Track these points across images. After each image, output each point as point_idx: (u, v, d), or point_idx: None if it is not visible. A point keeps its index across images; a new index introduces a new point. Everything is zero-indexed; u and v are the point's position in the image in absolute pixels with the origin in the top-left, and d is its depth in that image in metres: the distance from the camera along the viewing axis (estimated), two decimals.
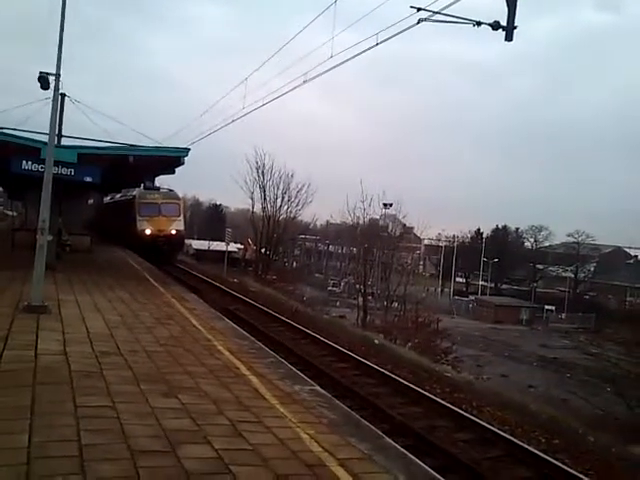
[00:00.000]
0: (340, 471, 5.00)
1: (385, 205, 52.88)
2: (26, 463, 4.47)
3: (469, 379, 16.37)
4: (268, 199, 54.76)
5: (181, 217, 37.14)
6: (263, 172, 54.22)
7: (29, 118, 21.98)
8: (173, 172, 24.53)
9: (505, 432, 10.14)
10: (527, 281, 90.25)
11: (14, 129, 21.76)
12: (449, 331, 36.45)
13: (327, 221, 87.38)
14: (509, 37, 11.56)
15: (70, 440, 4.99)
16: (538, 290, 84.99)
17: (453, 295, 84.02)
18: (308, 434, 5.84)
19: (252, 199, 55.96)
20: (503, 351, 46.46)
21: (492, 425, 10.42)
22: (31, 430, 5.12)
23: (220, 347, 9.79)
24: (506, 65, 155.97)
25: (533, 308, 74.47)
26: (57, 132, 19.96)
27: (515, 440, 9.64)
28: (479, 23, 12.69)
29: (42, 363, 7.47)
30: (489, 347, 46.70)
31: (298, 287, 51.54)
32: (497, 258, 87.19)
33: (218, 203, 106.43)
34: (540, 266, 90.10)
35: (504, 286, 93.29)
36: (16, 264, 17.75)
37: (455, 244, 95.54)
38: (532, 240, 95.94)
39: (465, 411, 11.16)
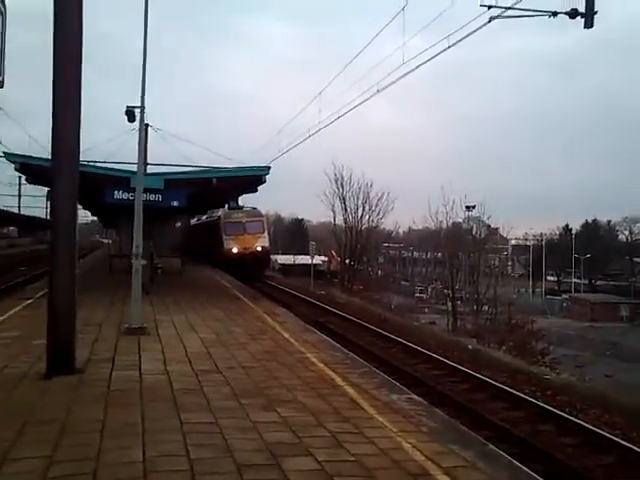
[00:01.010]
0: None
1: (468, 207, 51.85)
2: (143, 477, 4.68)
3: (570, 381, 15.71)
4: (349, 210, 55.02)
5: (265, 234, 37.90)
6: (342, 184, 54.58)
7: (117, 150, 23.15)
8: (255, 190, 25.08)
9: (617, 437, 9.59)
10: (625, 276, 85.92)
11: (104, 162, 23.01)
12: (544, 331, 35.18)
13: (409, 227, 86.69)
14: (589, 24, 11.12)
15: (179, 455, 5.17)
16: (638, 285, 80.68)
17: (545, 295, 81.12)
18: (409, 443, 5.78)
19: (333, 211, 56.42)
20: (604, 350, 44.33)
21: (601, 429, 9.91)
22: (144, 445, 5.35)
23: (313, 359, 9.88)
24: (586, 54, 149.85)
25: (633, 304, 70.70)
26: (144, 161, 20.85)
27: (630, 445, 9.06)
28: (555, 13, 12.32)
29: (146, 382, 7.79)
30: (588, 346, 44.61)
31: (385, 295, 51.29)
32: (589, 254, 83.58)
33: (300, 217, 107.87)
34: (638, 259, 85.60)
35: (599, 282, 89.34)
36: (115, 288, 18.64)
37: (543, 242, 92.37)
38: (627, 232, 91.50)
39: (569, 414, 10.71)
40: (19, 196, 68.53)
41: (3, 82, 7.66)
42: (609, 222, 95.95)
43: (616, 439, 9.37)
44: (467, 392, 12.45)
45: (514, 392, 12.00)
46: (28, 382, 7.70)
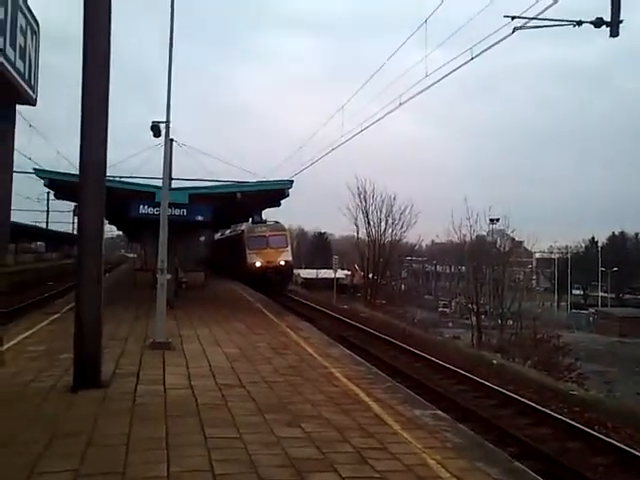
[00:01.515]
0: None
1: (492, 221, 51.43)
2: None
3: (599, 397, 15.41)
4: (372, 223, 54.99)
5: (288, 248, 37.99)
6: (365, 197, 54.61)
7: (142, 166, 23.47)
8: (279, 205, 25.17)
9: None
10: None
11: (130, 177, 23.35)
12: (570, 346, 34.61)
13: (432, 241, 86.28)
14: (614, 32, 11.02)
15: (204, 470, 5.18)
16: None
17: (571, 309, 79.96)
18: (435, 459, 5.72)
19: (356, 225, 56.42)
20: (633, 367, 43.40)
21: (634, 448, 9.67)
22: (168, 460, 5.36)
23: (337, 374, 9.84)
24: (613, 64, 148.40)
25: None
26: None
27: None
28: (580, 22, 12.24)
29: (171, 397, 7.83)
30: (616, 362, 43.74)
31: (408, 310, 50.98)
32: (616, 267, 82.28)
33: (323, 231, 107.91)
34: None
35: (627, 296, 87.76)
36: (139, 302, 18.80)
37: (569, 255, 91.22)
38: None
39: (599, 432, 10.48)
40: (47, 211, 69.63)
41: (36, 100, 7.84)
42: (637, 234, 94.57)
43: None
44: (492, 408, 12.29)
45: (541, 408, 11.80)
46: (55, 395, 7.79)
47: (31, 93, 7.81)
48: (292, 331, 15.15)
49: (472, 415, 11.25)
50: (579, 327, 65.17)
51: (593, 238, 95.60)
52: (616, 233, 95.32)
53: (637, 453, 9.36)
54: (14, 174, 8.88)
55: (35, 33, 7.69)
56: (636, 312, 71.46)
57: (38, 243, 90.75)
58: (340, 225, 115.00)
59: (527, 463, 7.33)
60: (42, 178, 19.15)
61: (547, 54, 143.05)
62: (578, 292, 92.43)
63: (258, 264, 36.04)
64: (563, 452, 9.52)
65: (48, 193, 49.31)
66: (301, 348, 12.55)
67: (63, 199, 25.99)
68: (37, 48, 7.76)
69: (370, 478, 5.21)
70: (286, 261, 37.09)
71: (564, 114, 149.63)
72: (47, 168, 20.47)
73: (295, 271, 49.57)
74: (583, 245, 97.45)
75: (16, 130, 8.30)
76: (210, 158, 27.88)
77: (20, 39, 7.19)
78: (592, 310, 76.54)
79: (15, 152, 8.62)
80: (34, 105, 7.91)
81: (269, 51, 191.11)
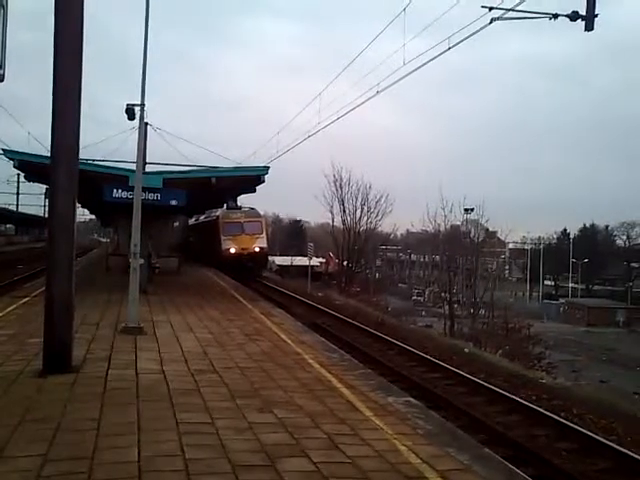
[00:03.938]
0: None
1: (466, 210, 51.87)
2: (138, 476, 4.67)
3: (566, 385, 15.71)
4: (347, 211, 55.15)
5: (263, 234, 37.85)
6: (341, 185, 54.74)
7: (116, 149, 23.14)
8: (254, 191, 25.01)
9: (612, 442, 9.56)
10: (622, 281, 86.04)
11: (103, 160, 22.99)
12: (540, 336, 35.19)
13: (407, 230, 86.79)
14: (589, 26, 11.13)
15: (175, 455, 5.16)
16: (635, 290, 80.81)
17: (542, 299, 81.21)
18: (405, 445, 5.77)
19: (331, 212, 56.53)
20: (600, 355, 44.37)
21: (596, 434, 9.91)
22: (139, 445, 5.34)
23: (310, 360, 9.87)
24: (588, 58, 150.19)
25: (630, 309, 70.77)
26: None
27: (625, 450, 9.05)
28: (556, 15, 12.31)
29: (143, 382, 7.77)
30: (584, 351, 44.65)
31: (382, 298, 51.23)
32: (587, 258, 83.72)
33: (298, 219, 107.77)
34: (635, 264, 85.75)
35: (596, 287, 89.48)
36: (111, 287, 18.62)
37: (541, 246, 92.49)
38: (624, 237, 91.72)
39: (565, 419, 10.70)
40: (17, 194, 68.49)
41: (4, 76, 7.62)
42: (607, 227, 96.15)
43: (610, 444, 9.36)
44: (463, 395, 12.45)
45: (510, 396, 11.99)
46: (24, 380, 7.68)
47: None
48: (266, 317, 15.14)
49: (444, 403, 11.39)
50: (550, 317, 66.27)
51: (565, 230, 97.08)
52: (587, 225, 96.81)
53: (599, 438, 9.61)
54: None
55: (3, 7, 7.45)
56: (604, 303, 72.97)
57: (8, 226, 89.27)
58: (316, 213, 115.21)
59: (496, 449, 7.46)
60: (11, 159, 18.73)
61: (524, 46, 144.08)
62: (550, 283, 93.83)
63: (233, 250, 35.88)
64: (530, 438, 9.69)
65: (18, 175, 48.45)
66: (274, 334, 12.55)
67: (34, 181, 25.48)
68: (5, 22, 7.50)
69: (341, 463, 5.23)
70: (261, 248, 36.96)
71: (539, 106, 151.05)
72: (17, 149, 19.97)
73: (270, 258, 49.47)
74: (555, 237, 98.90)
75: None
76: (186, 143, 27.53)
77: None
78: (562, 300, 77.84)
79: None
80: (2, 81, 7.67)
81: (251, 37, 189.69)
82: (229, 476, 4.79)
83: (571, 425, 10.25)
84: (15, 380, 7.64)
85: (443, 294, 49.49)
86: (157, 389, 7.43)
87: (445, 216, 50.73)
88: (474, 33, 12.36)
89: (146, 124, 23.38)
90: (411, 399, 8.07)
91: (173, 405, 6.72)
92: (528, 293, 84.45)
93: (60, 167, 8.33)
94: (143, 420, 6.08)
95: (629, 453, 8.95)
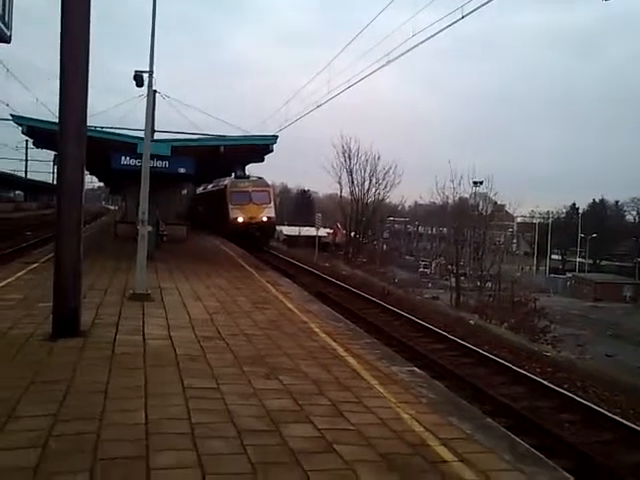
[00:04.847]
0: (443, 450, 4.98)
1: (475, 183, 51.52)
2: (145, 438, 4.75)
3: (571, 359, 15.80)
4: (356, 182, 54.99)
5: (271, 204, 37.83)
6: (350, 156, 54.51)
7: (124, 116, 23.03)
8: (262, 160, 24.95)
9: (616, 414, 9.64)
10: (630, 257, 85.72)
11: (112, 127, 22.93)
12: (546, 310, 35.25)
13: (416, 202, 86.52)
14: None
15: (181, 418, 5.25)
16: None
17: (549, 273, 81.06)
18: (409, 414, 5.84)
19: (340, 183, 56.42)
20: (606, 330, 44.39)
21: (600, 406, 9.98)
22: (146, 408, 5.43)
23: (316, 329, 9.94)
24: (605, 30, 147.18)
25: (638, 284, 70.64)
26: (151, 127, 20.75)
27: (628, 423, 9.13)
28: None
29: (150, 347, 7.86)
30: (590, 326, 44.66)
31: (389, 269, 51.38)
32: (595, 233, 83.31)
33: (306, 189, 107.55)
34: None
35: (604, 262, 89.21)
36: (120, 254, 18.72)
37: (550, 220, 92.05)
38: (634, 213, 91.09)
39: (568, 391, 10.78)
40: (26, 160, 68.60)
41: (11, 37, 7.57)
42: (617, 202, 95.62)
43: (614, 416, 9.44)
44: (468, 366, 12.53)
45: (515, 368, 12.07)
46: (33, 343, 7.78)
47: (5, 30, 7.53)
48: (273, 286, 15.21)
49: (448, 373, 11.49)
50: (556, 291, 66.23)
51: (574, 204, 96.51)
52: (597, 200, 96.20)
53: (601, 410, 9.69)
54: None
55: None
56: (611, 278, 72.80)
57: (17, 192, 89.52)
58: (324, 183, 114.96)
59: (499, 420, 7.54)
60: (20, 125, 18.70)
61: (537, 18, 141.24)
62: (557, 257, 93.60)
63: (240, 219, 35.92)
64: (534, 409, 9.77)
65: (27, 141, 48.45)
66: (281, 303, 12.62)
67: (43, 148, 25.49)
68: None
69: (345, 430, 5.30)
70: (269, 217, 36.98)
71: (550, 79, 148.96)
72: (26, 115, 19.92)
73: (278, 228, 49.52)
74: (564, 211, 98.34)
75: None
76: (195, 111, 27.41)
77: None
78: (569, 275, 77.74)
79: None
80: (8, 42, 7.62)
81: (262, 6, 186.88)
82: (234, 440, 4.87)
83: (574, 397, 10.32)
84: (25, 343, 7.74)
85: (450, 266, 49.49)
86: (164, 354, 7.51)
87: (454, 188, 50.52)
88: (488, 2, 12.12)
89: (154, 91, 23.30)
90: (415, 369, 8.13)
91: (180, 370, 6.80)
92: (535, 267, 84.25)
93: (68, 133, 8.30)
94: (150, 384, 6.16)
95: (632, 425, 9.02)
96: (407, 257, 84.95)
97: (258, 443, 4.84)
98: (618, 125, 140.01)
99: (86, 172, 10.55)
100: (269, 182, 40.39)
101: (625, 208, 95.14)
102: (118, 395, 5.76)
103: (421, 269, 72.10)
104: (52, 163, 53.96)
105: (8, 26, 7.45)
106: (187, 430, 4.98)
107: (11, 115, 19.85)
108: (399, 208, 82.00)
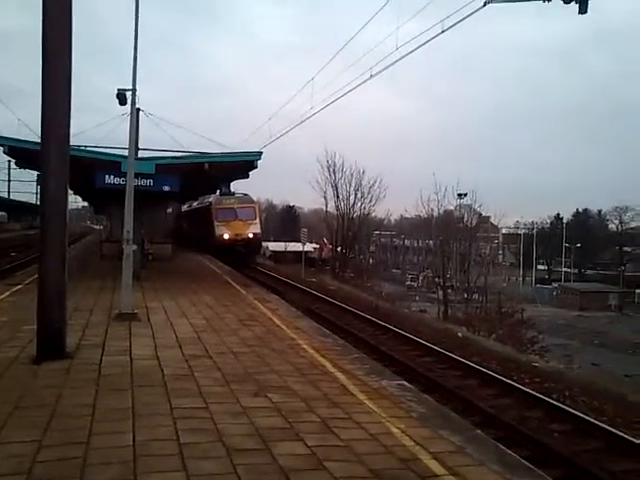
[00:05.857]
0: (434, 464, 4.96)
1: (460, 195, 51.88)
2: (132, 460, 4.69)
3: (558, 368, 15.84)
4: (341, 197, 54.97)
5: (257, 220, 37.81)
6: (334, 170, 54.49)
7: (106, 136, 22.98)
8: (247, 176, 24.93)
9: (604, 423, 9.68)
10: (614, 265, 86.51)
11: (94, 146, 22.86)
12: (533, 320, 35.45)
13: (401, 216, 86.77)
14: (583, 9, 11.00)
15: (170, 439, 5.19)
16: (627, 274, 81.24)
17: (535, 283, 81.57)
18: (399, 428, 5.82)
19: (325, 198, 56.33)
20: (592, 339, 44.70)
21: (588, 415, 10.01)
22: (134, 430, 5.36)
23: (305, 345, 9.89)
24: (583, 43, 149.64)
25: (622, 293, 71.25)
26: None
27: (616, 431, 9.15)
28: None
29: (137, 367, 7.78)
30: (576, 335, 44.98)
31: (376, 283, 51.35)
32: (580, 243, 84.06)
33: (292, 204, 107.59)
34: (628, 248, 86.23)
35: (589, 271, 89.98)
36: (105, 273, 18.59)
37: (534, 231, 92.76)
38: (617, 222, 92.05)
39: (557, 401, 10.80)
40: (9, 180, 68.03)
41: None
42: (600, 211, 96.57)
43: (602, 425, 9.45)
44: (457, 379, 12.53)
45: (503, 379, 12.08)
46: (18, 366, 7.68)
47: None
48: (260, 303, 15.15)
49: (437, 386, 11.47)
50: (543, 301, 66.56)
51: (558, 215, 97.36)
52: (580, 210, 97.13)
53: (590, 419, 9.69)
54: None
55: None
56: (597, 287, 73.35)
57: (0, 213, 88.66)
58: (309, 199, 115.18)
59: (488, 431, 7.53)
60: (1, 145, 18.60)
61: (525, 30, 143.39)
62: (543, 267, 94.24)
63: (226, 236, 35.84)
64: (523, 420, 9.77)
65: (9, 161, 48.14)
66: (269, 320, 12.57)
67: (25, 167, 25.33)
68: None
69: (335, 446, 5.27)
70: (254, 233, 36.94)
71: (531, 91, 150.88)
72: (7, 135, 19.79)
73: (263, 244, 49.42)
74: (548, 221, 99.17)
75: None
76: (178, 129, 27.50)
77: None
78: (555, 285, 78.24)
79: None
80: None
81: (243, 20, 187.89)
82: (224, 460, 4.82)
83: (563, 407, 10.35)
84: (10, 366, 7.64)
85: (437, 279, 49.62)
86: (152, 375, 7.44)
87: (438, 201, 50.79)
88: (468, 16, 12.26)
89: (138, 109, 23.30)
90: (405, 383, 8.11)
91: (168, 390, 6.73)
92: (521, 278, 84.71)
93: (51, 153, 8.25)
94: (138, 405, 6.09)
95: (619, 434, 9.05)
96: (394, 270, 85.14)
97: (248, 462, 4.80)
98: (600, 137, 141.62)
99: (70, 191, 10.48)
100: (254, 198, 40.41)
101: (608, 217, 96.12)
102: (105, 417, 5.69)
103: (408, 282, 72.24)
104: (35, 183, 53.59)
105: None
106: (176, 451, 4.92)
107: None
108: (385, 222, 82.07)
